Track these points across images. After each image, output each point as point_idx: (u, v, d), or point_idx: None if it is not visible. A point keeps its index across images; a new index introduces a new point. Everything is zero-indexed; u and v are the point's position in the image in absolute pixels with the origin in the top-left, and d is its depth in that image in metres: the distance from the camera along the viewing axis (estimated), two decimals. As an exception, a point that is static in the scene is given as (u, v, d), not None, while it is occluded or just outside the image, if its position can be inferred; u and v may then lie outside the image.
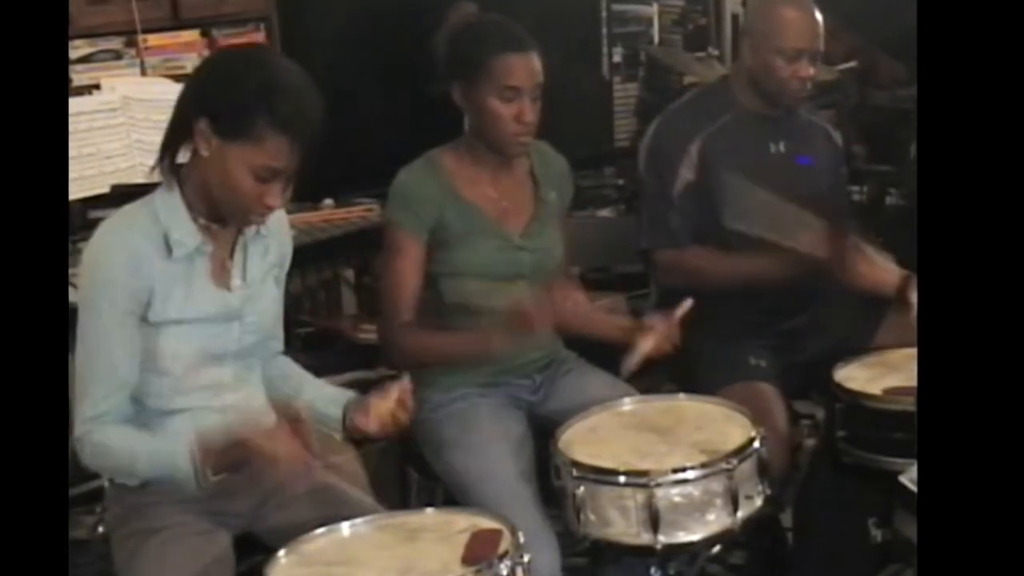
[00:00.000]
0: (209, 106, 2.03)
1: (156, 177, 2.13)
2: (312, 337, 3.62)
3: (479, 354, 2.50)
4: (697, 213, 2.92)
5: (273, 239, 2.26)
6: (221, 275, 2.16)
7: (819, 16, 2.88)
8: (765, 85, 2.92)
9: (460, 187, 2.59)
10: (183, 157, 2.11)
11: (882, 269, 2.88)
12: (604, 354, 2.68)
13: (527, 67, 2.50)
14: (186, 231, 2.09)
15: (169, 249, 2.08)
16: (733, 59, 4.79)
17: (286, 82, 2.02)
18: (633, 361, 2.49)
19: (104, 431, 2.06)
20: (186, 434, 2.05)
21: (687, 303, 2.54)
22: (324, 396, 2.31)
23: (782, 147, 2.98)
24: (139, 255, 2.06)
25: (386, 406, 2.17)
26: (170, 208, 2.10)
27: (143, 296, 2.06)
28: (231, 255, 2.18)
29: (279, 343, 2.37)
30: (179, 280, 2.10)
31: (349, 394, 2.30)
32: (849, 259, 2.71)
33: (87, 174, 3.14)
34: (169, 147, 2.11)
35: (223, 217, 2.12)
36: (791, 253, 2.70)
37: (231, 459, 2.02)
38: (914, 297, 2.69)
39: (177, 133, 2.09)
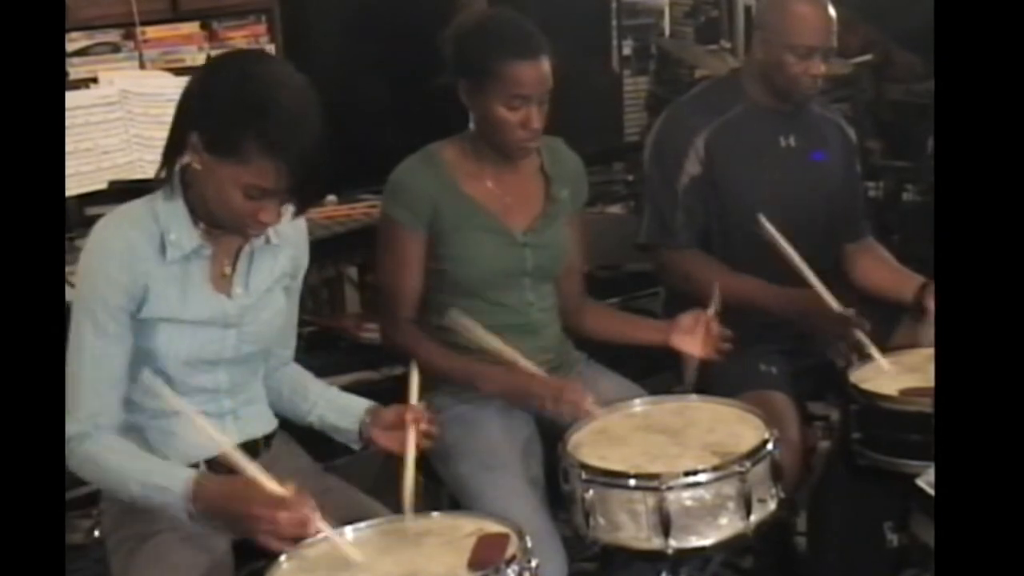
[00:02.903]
0: (200, 122, 1.99)
1: (152, 174, 2.10)
2: (315, 337, 3.59)
3: (470, 384, 2.50)
4: (702, 210, 2.88)
5: (286, 248, 2.23)
6: (221, 281, 2.14)
7: (833, 12, 2.85)
8: (776, 81, 2.89)
9: (459, 180, 2.55)
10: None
11: (900, 275, 2.86)
12: (613, 356, 2.65)
13: (536, 74, 2.44)
14: (184, 233, 2.07)
15: (164, 249, 2.05)
16: (745, 52, 4.76)
17: (279, 102, 1.95)
18: (692, 372, 2.48)
19: (96, 443, 2.02)
20: (183, 463, 2.06)
21: (716, 297, 2.53)
22: (338, 408, 2.29)
23: (792, 141, 2.96)
24: (134, 251, 2.03)
25: (408, 433, 2.15)
26: (170, 210, 2.08)
27: (136, 292, 2.04)
28: (234, 262, 2.15)
29: (289, 352, 2.35)
30: (175, 281, 2.07)
31: (364, 405, 2.27)
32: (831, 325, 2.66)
33: (84, 170, 3.10)
34: (169, 156, 2.08)
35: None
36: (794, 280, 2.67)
37: (226, 511, 1.96)
38: (931, 304, 2.66)
39: (175, 144, 2.06)
